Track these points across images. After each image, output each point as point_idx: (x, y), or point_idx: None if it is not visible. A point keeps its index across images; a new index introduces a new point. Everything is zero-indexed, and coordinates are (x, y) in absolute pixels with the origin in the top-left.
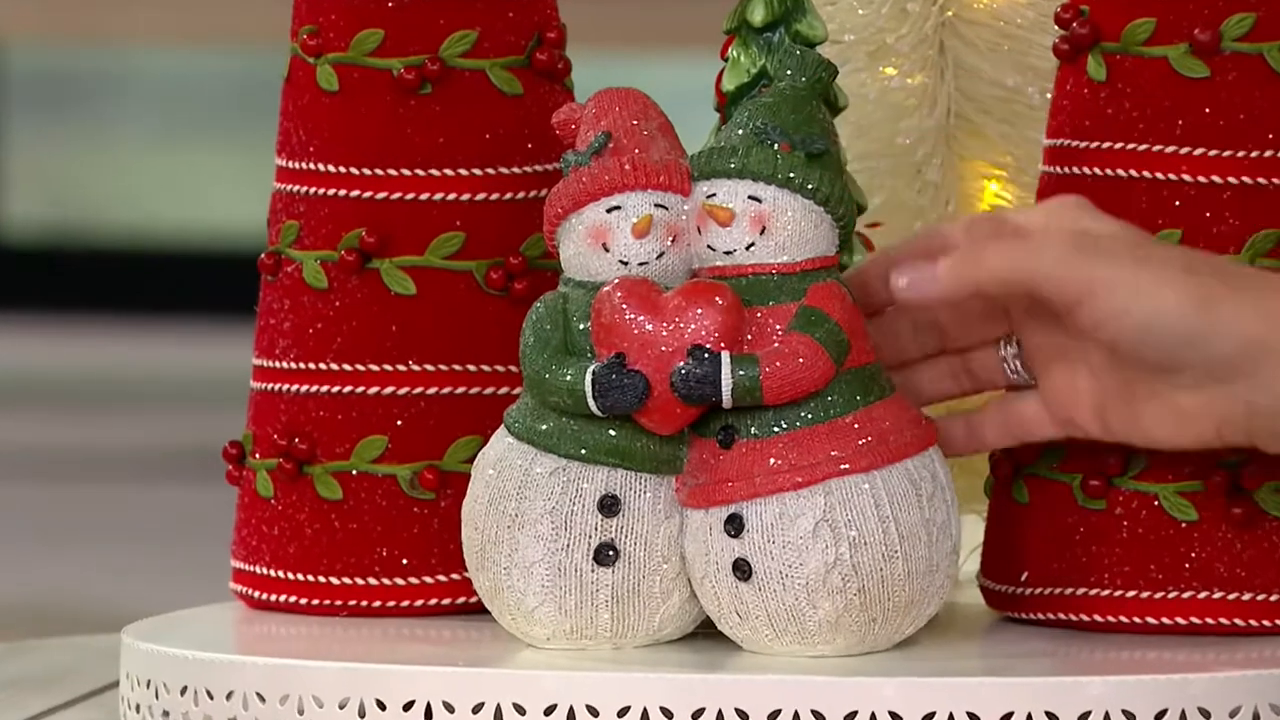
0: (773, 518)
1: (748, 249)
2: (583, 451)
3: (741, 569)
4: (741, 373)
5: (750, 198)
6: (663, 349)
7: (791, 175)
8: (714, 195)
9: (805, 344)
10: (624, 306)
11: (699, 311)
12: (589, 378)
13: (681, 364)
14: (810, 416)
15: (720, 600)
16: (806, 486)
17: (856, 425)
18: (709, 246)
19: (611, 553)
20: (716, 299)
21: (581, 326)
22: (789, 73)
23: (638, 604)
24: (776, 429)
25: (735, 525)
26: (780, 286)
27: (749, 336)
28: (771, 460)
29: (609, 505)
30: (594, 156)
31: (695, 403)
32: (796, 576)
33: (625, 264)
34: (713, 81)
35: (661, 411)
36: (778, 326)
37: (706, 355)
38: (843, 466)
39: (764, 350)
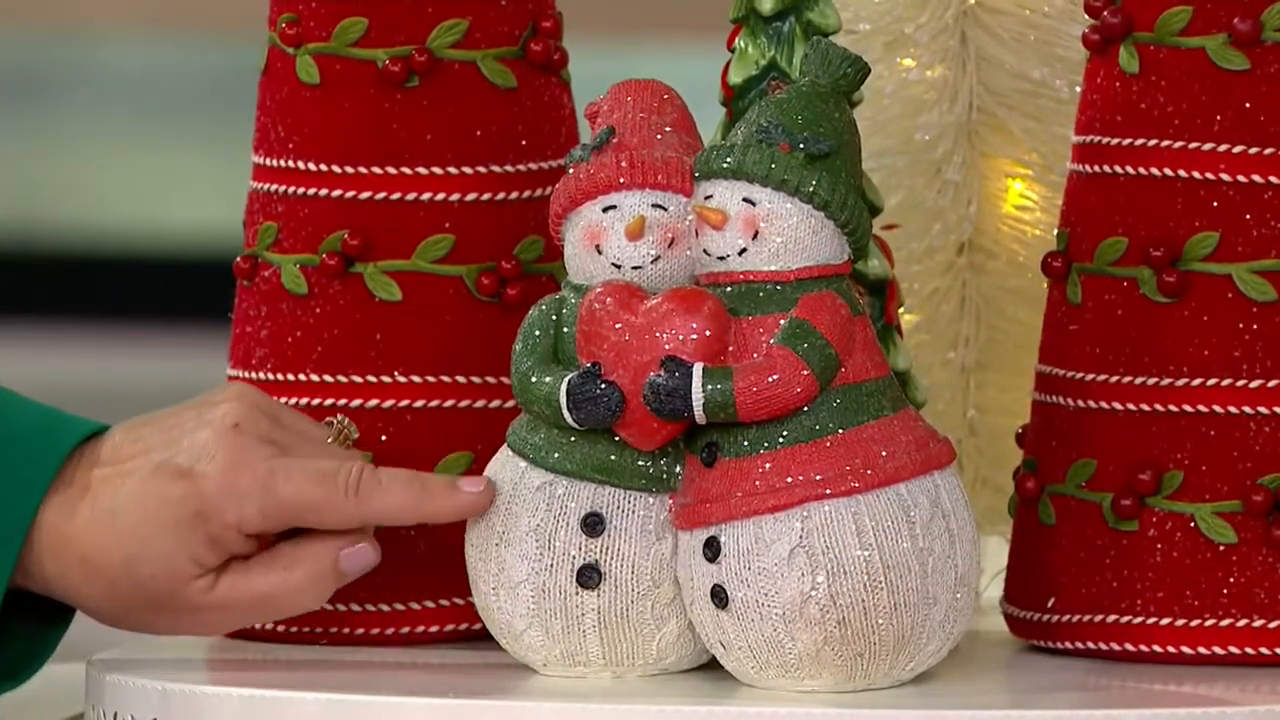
0: (749, 542)
1: (740, 254)
2: (570, 466)
3: (719, 596)
4: (713, 387)
5: (745, 200)
6: (640, 359)
7: (787, 177)
8: (710, 197)
9: (785, 358)
10: (604, 313)
11: (678, 320)
12: (564, 388)
13: (653, 375)
14: (793, 435)
15: (706, 628)
16: (783, 510)
17: (845, 446)
18: (704, 251)
19: (595, 575)
20: (697, 307)
21: (568, 332)
22: (811, 68)
23: (628, 630)
24: (760, 448)
25: (713, 549)
26: (772, 296)
27: (732, 348)
28: (754, 481)
29: (592, 524)
30: (594, 152)
31: (667, 417)
32: (772, 605)
33: (618, 267)
34: (719, 74)
35: (639, 425)
36: (766, 339)
37: (678, 367)
38: (825, 491)
39: (741, 364)
